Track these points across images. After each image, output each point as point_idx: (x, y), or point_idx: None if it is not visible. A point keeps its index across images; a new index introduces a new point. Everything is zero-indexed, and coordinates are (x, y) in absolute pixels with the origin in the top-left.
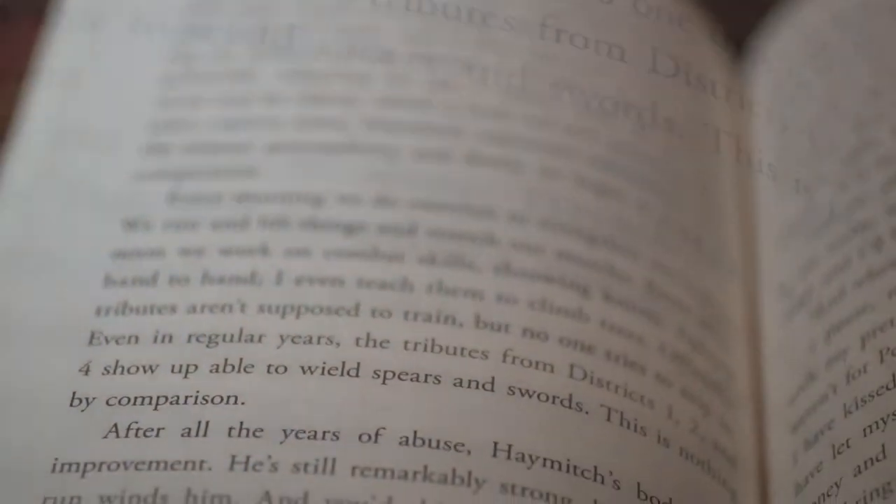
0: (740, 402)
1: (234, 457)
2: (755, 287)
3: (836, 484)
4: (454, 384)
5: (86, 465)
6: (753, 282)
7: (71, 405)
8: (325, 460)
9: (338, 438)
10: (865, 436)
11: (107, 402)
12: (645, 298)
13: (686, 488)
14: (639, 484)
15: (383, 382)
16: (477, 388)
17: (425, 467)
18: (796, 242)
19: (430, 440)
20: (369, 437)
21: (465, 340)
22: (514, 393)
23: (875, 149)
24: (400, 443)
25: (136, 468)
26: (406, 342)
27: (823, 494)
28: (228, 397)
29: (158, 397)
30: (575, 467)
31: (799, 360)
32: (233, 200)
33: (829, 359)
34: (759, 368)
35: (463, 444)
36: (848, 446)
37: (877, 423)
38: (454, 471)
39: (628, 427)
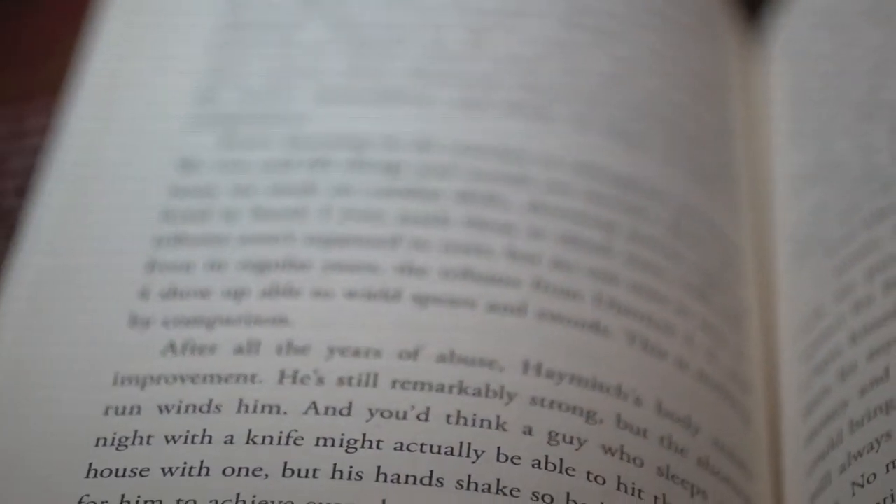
0: (754, 334)
1: (282, 371)
2: (770, 229)
3: (843, 404)
4: (488, 309)
5: (145, 378)
6: (768, 224)
7: (130, 326)
8: (368, 375)
9: (380, 356)
10: (870, 360)
11: (163, 324)
12: (669, 237)
13: (702, 408)
14: (659, 402)
15: (422, 307)
16: (509, 312)
17: (461, 382)
18: (809, 188)
19: (465, 358)
20: (409, 354)
21: (499, 270)
22: (543, 318)
23: (884, 102)
24: (437, 360)
25: (192, 381)
26: (443, 271)
27: (830, 415)
28: (277, 318)
29: (212, 319)
30: (600, 385)
31: (809, 295)
32: (281, 144)
33: (838, 293)
34: (773, 304)
35: (496, 362)
36: (854, 370)
37: (881, 348)
38: (488, 385)
39: (650, 352)
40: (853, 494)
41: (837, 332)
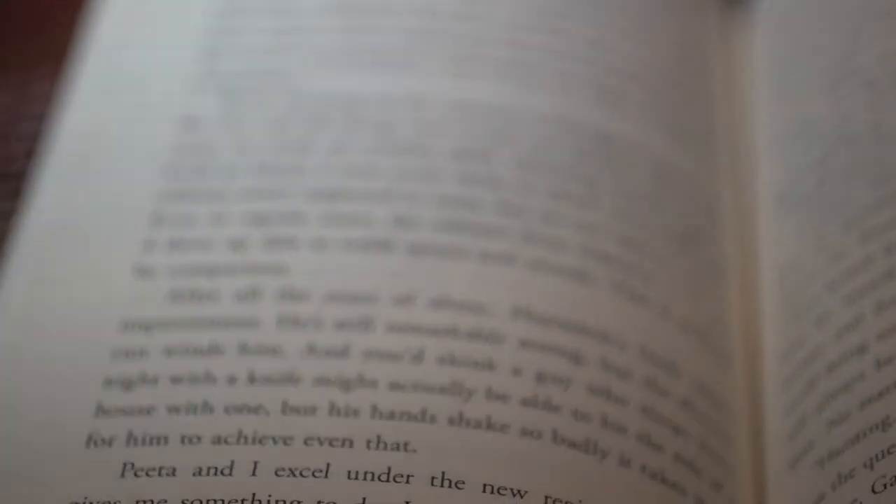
0: (735, 283)
1: (282, 316)
2: (751, 186)
3: (819, 348)
4: (479, 258)
5: (150, 323)
6: (749, 182)
7: (135, 276)
8: (364, 319)
9: (375, 302)
10: (845, 306)
11: (167, 273)
12: (651, 190)
13: (685, 353)
14: (643, 346)
15: (416, 256)
16: (499, 261)
17: (453, 326)
18: (788, 147)
19: (457, 303)
20: (403, 300)
21: (489, 221)
22: (532, 266)
23: (857, 67)
24: (431, 306)
25: (196, 326)
26: (436, 223)
27: (808, 358)
28: (276, 267)
29: (214, 268)
30: (586, 329)
31: (788, 247)
32: (280, 103)
33: (815, 244)
34: (754, 256)
35: (487, 307)
36: (830, 316)
37: (856, 295)
38: (479, 329)
39: (634, 299)
40: (828, 433)
41: (815, 281)
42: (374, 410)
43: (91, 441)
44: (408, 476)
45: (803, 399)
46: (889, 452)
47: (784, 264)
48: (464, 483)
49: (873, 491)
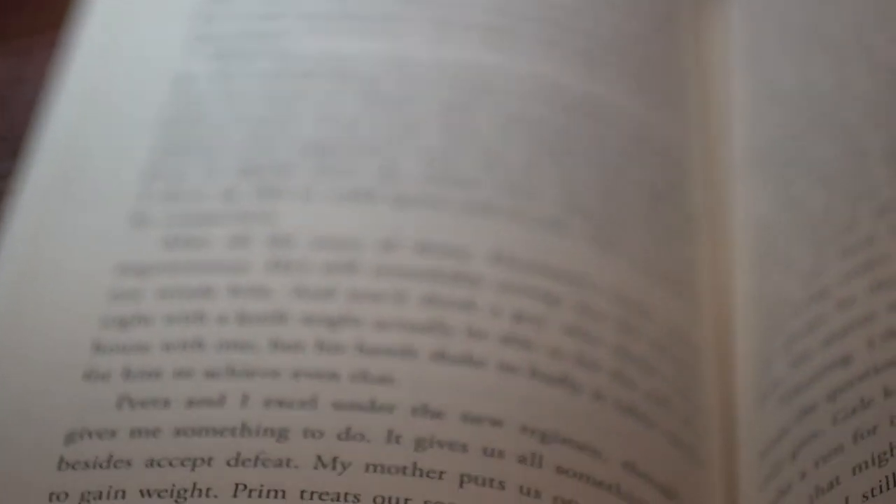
0: (706, 235)
1: (271, 260)
2: (723, 148)
3: (784, 294)
4: (460, 207)
5: (145, 268)
6: (722, 143)
7: (131, 224)
8: (350, 263)
9: (360, 247)
10: (810, 254)
11: (162, 222)
12: (627, 146)
13: (657, 299)
14: (616, 291)
15: (399, 205)
16: (480, 211)
17: (435, 270)
18: (756, 111)
19: (439, 249)
20: (387, 245)
21: (470, 173)
22: (511, 215)
23: (823, 33)
24: (413, 251)
25: (188, 270)
26: (417, 176)
27: (774, 303)
28: (266, 215)
29: (206, 217)
30: (561, 274)
31: (756, 201)
32: (269, 64)
33: (782, 198)
34: (724, 210)
35: (467, 252)
36: (795, 264)
37: (819, 243)
38: (459, 273)
39: (608, 249)
40: (793, 371)
41: (782, 231)
42: (359, 347)
43: (89, 376)
44: (390, 407)
45: (770, 340)
46: (849, 386)
47: (753, 217)
48: (443, 413)
49: (834, 422)
